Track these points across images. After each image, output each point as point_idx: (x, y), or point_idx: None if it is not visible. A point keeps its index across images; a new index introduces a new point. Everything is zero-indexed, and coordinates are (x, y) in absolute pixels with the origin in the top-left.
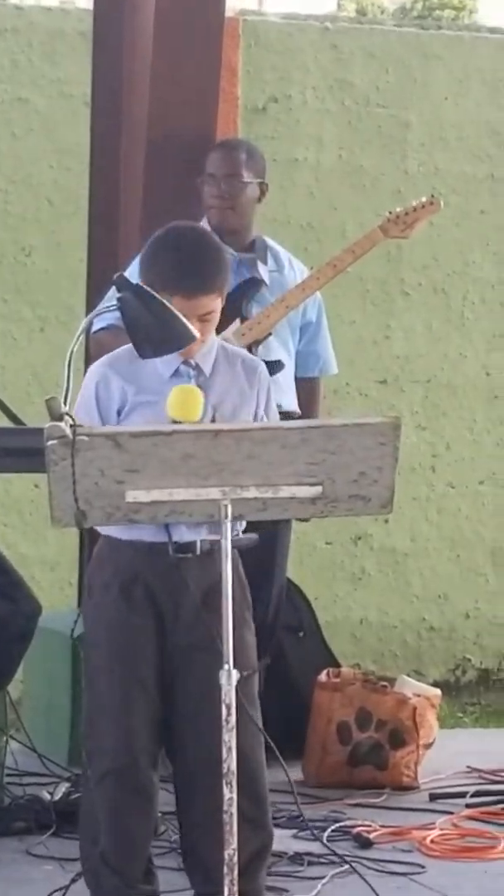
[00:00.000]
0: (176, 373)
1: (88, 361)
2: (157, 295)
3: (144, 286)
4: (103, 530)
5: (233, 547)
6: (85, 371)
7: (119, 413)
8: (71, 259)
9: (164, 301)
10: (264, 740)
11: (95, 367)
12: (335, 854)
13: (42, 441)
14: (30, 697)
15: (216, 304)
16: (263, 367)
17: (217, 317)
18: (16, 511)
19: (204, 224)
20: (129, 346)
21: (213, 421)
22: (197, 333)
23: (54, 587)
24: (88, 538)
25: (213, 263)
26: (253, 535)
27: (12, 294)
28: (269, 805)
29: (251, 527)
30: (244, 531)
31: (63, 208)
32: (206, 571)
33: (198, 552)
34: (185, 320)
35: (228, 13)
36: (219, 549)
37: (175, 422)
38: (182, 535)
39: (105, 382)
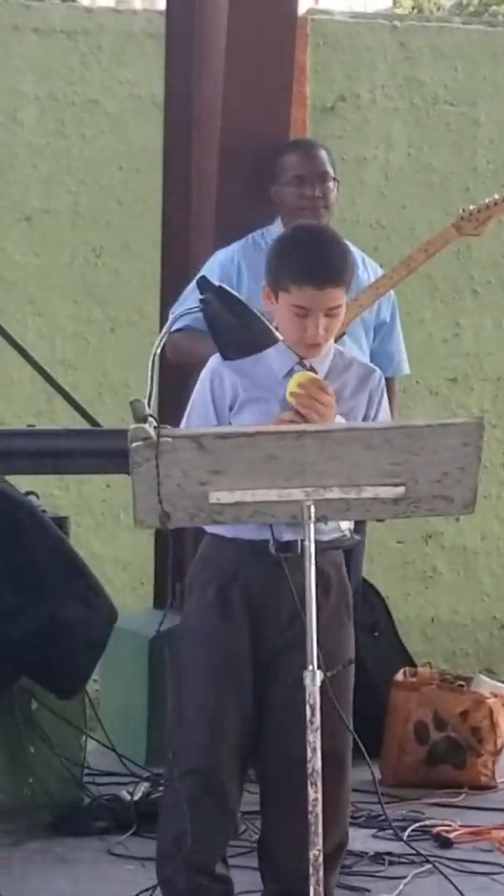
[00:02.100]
0: (290, 373)
1: (163, 362)
2: (239, 296)
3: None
4: (209, 528)
5: (337, 547)
6: (151, 373)
7: (231, 408)
8: (140, 260)
9: (246, 302)
10: (352, 740)
11: (210, 362)
12: (418, 854)
13: (116, 442)
14: (106, 698)
15: (343, 299)
16: (378, 373)
17: (342, 314)
18: (88, 511)
19: (278, 226)
20: None
21: None
22: (279, 336)
23: (126, 587)
24: (170, 539)
25: (342, 257)
26: (357, 536)
27: (83, 295)
28: (348, 806)
29: None
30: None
31: (132, 209)
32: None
33: (298, 552)
34: (266, 322)
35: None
36: (319, 549)
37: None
38: (282, 534)
39: (219, 378)
